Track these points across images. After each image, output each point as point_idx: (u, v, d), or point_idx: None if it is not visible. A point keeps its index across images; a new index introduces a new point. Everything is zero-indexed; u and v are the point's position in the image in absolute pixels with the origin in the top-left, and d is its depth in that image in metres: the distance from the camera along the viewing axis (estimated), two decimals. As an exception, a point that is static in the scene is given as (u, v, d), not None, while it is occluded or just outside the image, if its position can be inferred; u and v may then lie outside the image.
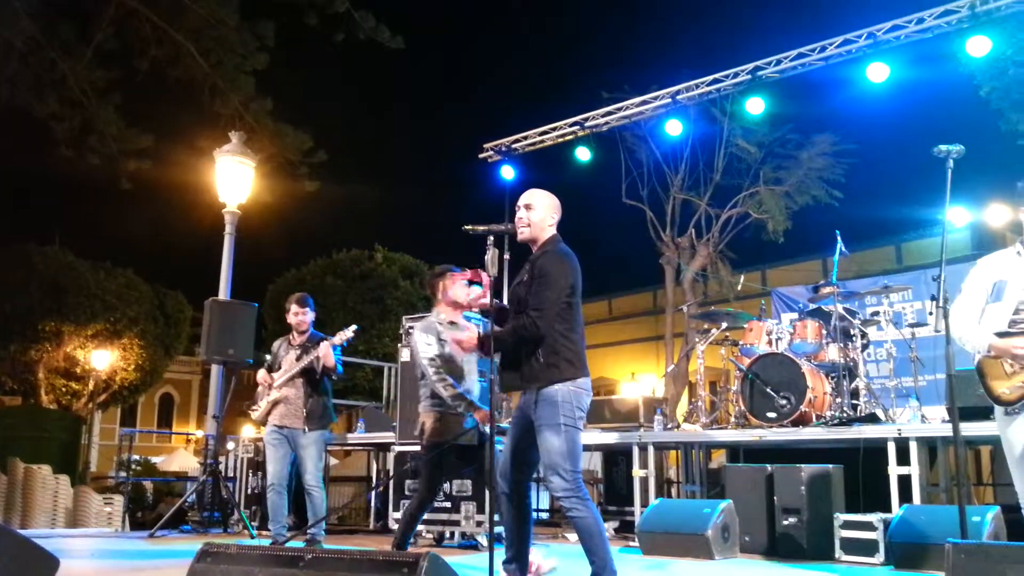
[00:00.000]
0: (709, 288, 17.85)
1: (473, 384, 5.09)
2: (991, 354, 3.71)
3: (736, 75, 10.29)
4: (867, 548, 5.52)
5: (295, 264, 20.36)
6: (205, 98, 12.85)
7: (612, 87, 13.80)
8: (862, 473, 6.11)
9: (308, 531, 5.94)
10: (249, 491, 8.87)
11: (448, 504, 6.82)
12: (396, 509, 7.31)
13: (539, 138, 11.97)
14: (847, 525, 5.67)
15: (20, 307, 17.98)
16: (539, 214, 3.97)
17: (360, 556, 2.97)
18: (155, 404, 37.08)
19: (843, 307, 7.52)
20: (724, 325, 8.19)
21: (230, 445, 9.90)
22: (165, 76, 12.70)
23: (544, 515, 9.31)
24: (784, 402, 6.88)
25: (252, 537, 7.60)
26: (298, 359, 6.17)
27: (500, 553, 3.85)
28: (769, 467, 6.23)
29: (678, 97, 10.84)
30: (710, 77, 10.53)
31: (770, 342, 7.58)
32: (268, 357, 6.41)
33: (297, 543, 5.74)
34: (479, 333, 3.99)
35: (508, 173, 11.96)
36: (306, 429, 6.08)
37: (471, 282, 5.06)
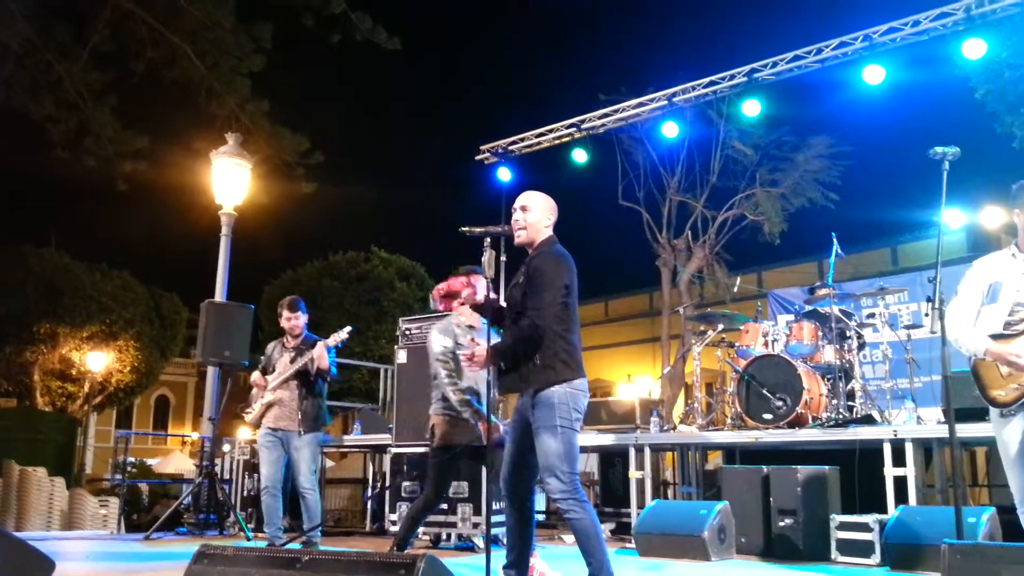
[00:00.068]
0: (705, 290, 17.89)
1: (476, 383, 5.05)
2: (987, 358, 3.72)
3: (732, 77, 10.31)
4: (863, 549, 5.53)
5: (291, 266, 20.37)
6: (201, 100, 12.83)
7: (608, 89, 13.83)
8: (858, 474, 6.12)
9: (307, 535, 5.92)
10: (245, 493, 8.86)
11: (445, 506, 6.81)
12: (393, 511, 7.30)
13: (536, 140, 11.98)
14: (843, 526, 5.67)
15: (15, 309, 17.94)
16: (535, 216, 3.97)
17: (357, 558, 2.97)
18: (151, 406, 37.04)
19: (839, 309, 7.52)
20: (720, 327, 8.20)
21: (226, 447, 9.89)
22: (161, 78, 12.68)
23: (541, 517, 9.31)
24: (780, 404, 6.89)
25: (248, 539, 7.59)
26: (292, 361, 6.15)
27: (496, 555, 3.84)
28: (765, 468, 6.24)
29: (674, 99, 10.85)
30: (706, 79, 10.54)
31: (766, 344, 7.59)
32: (263, 359, 6.40)
33: (294, 545, 5.73)
34: (487, 347, 3.93)
35: (505, 175, 11.97)
36: (300, 431, 6.07)
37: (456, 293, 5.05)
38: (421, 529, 6.92)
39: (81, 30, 12.00)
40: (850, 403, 7.25)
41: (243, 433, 10.71)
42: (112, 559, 6.46)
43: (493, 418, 4.81)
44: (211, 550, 3.22)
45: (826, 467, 6.14)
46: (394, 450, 7.46)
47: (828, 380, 7.24)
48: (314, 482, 6.08)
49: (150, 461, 22.59)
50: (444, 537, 7.18)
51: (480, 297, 4.86)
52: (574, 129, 11.67)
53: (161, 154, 13.34)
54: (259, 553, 3.25)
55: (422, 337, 7.36)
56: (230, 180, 10.44)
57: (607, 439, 7.81)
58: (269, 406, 6.13)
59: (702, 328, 8.53)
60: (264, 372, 6.28)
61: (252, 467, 8.70)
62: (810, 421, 6.83)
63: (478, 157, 12.52)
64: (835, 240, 8.02)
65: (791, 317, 9.21)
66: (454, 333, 4.96)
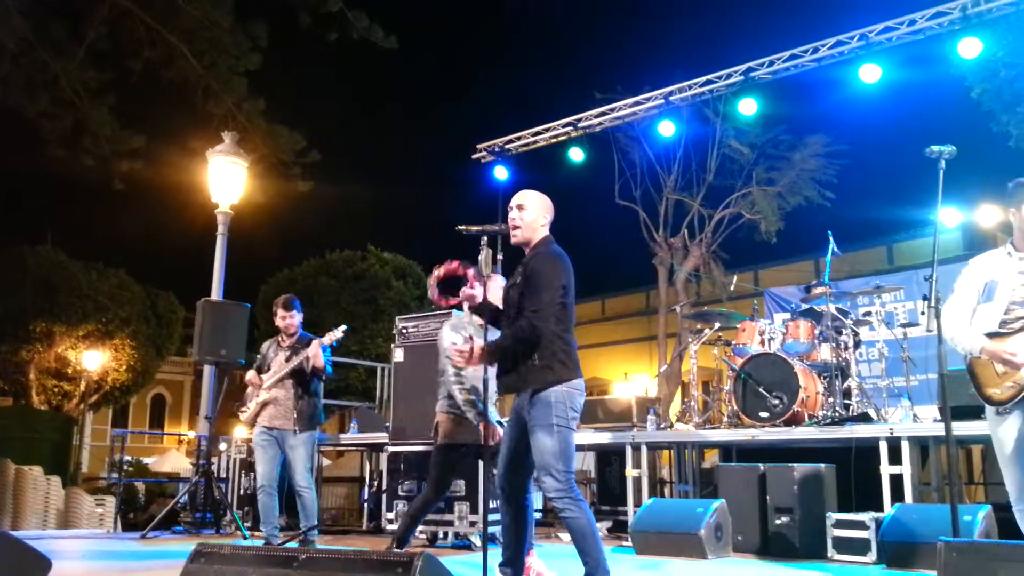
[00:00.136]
0: (702, 288, 17.90)
1: (476, 382, 5.04)
2: (982, 356, 3.73)
3: (729, 76, 10.32)
4: (859, 547, 5.54)
5: (288, 264, 20.32)
6: (198, 99, 12.80)
7: (605, 88, 13.83)
8: (854, 472, 6.13)
9: (306, 534, 5.91)
10: (241, 492, 8.85)
11: (442, 504, 6.81)
12: (389, 510, 7.30)
13: (532, 139, 11.99)
14: (839, 524, 5.69)
15: (11, 307, 17.89)
16: (531, 214, 3.97)
17: (354, 556, 2.97)
18: (147, 405, 36.99)
19: (835, 307, 7.54)
20: (717, 325, 8.21)
21: (222, 446, 9.88)
22: (158, 77, 12.65)
23: (538, 516, 9.31)
24: (776, 402, 6.90)
25: (245, 538, 7.59)
26: (287, 360, 6.15)
27: (493, 553, 3.85)
28: (762, 467, 6.25)
29: (671, 98, 10.86)
30: (703, 78, 10.56)
31: (763, 342, 7.60)
32: (258, 357, 6.40)
33: (290, 544, 5.73)
34: (482, 344, 3.92)
35: (501, 174, 11.97)
36: (296, 430, 6.06)
37: (455, 276, 5.04)
38: (418, 527, 6.93)
39: (77, 28, 11.97)
40: (846, 401, 7.27)
41: (239, 432, 10.71)
42: (109, 558, 6.45)
43: (493, 419, 4.81)
44: (208, 548, 3.22)
45: (822, 465, 6.15)
46: (391, 449, 7.46)
47: (824, 378, 7.25)
48: (310, 481, 6.07)
49: (146, 460, 22.48)
50: (441, 535, 7.18)
51: (480, 298, 4.86)
52: (570, 128, 11.67)
53: (157, 153, 13.32)
54: (256, 552, 3.25)
55: (419, 336, 7.37)
56: (226, 179, 10.43)
57: (604, 437, 7.82)
58: (264, 405, 6.12)
59: (699, 326, 8.54)
60: (259, 371, 6.27)
61: (249, 466, 8.70)
62: (806, 419, 6.84)
63: (475, 156, 12.53)
64: (831, 239, 8.04)
65: (787, 315, 9.23)
66: (466, 329, 4.95)
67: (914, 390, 7.51)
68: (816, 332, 7.42)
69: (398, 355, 7.51)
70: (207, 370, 9.63)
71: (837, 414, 6.90)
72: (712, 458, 9.52)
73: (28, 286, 18.14)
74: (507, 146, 12.17)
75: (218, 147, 10.55)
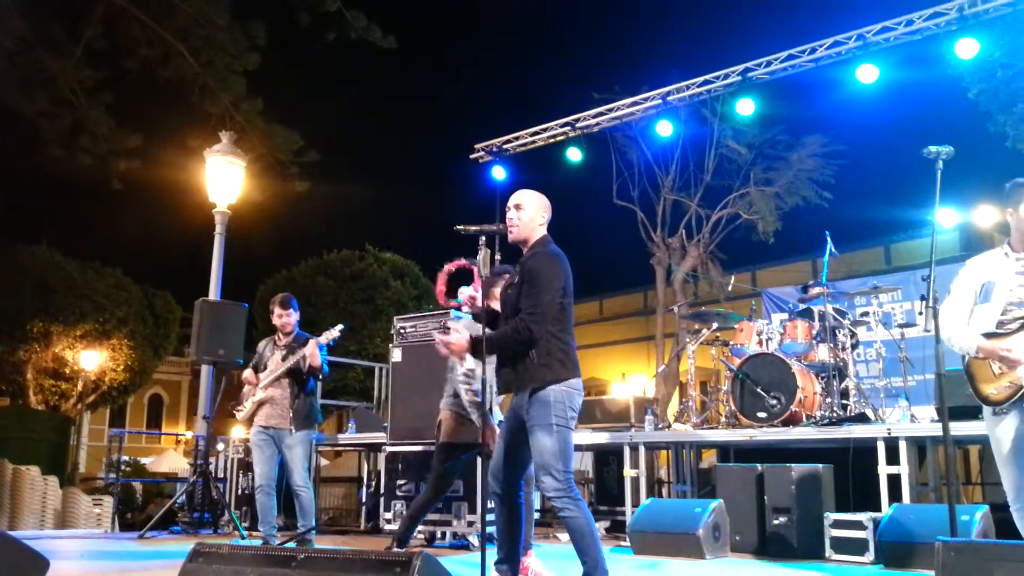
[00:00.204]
0: (699, 289, 17.93)
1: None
2: (979, 356, 3.74)
3: (726, 76, 10.31)
4: (857, 547, 5.54)
5: (286, 264, 20.31)
6: (195, 98, 12.79)
7: (603, 88, 13.87)
8: (852, 472, 6.14)
9: (304, 534, 5.91)
10: (239, 492, 8.85)
11: (440, 504, 6.81)
12: (388, 510, 7.30)
13: (530, 139, 11.98)
14: (837, 524, 5.69)
15: (8, 307, 17.86)
16: (528, 214, 3.96)
17: (353, 556, 2.97)
18: (144, 405, 36.93)
19: (833, 307, 7.55)
20: (714, 325, 8.21)
21: (220, 446, 9.88)
22: (155, 76, 12.64)
23: (537, 516, 9.31)
24: (774, 402, 6.90)
25: (242, 538, 7.59)
26: (284, 359, 6.14)
27: (491, 552, 3.85)
28: (759, 467, 6.25)
29: (669, 98, 10.85)
30: (700, 78, 10.55)
31: (760, 342, 7.60)
32: (255, 356, 6.39)
33: (288, 544, 5.73)
34: (470, 336, 3.94)
35: (499, 174, 11.96)
36: (292, 429, 6.06)
37: (461, 270, 5.05)
38: (418, 527, 6.94)
39: (74, 27, 11.95)
40: (844, 401, 7.27)
41: (237, 432, 10.70)
42: (106, 558, 6.44)
43: (495, 421, 4.82)
44: (206, 548, 3.22)
45: (820, 465, 6.16)
46: (389, 449, 7.45)
47: (822, 378, 7.26)
48: (307, 480, 6.07)
49: (144, 460, 22.51)
50: (439, 535, 7.18)
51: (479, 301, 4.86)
52: (568, 128, 11.66)
53: (155, 152, 13.30)
54: (254, 551, 3.25)
55: (417, 336, 7.37)
56: (224, 178, 10.41)
57: (602, 437, 7.82)
58: (260, 404, 6.12)
59: (696, 327, 8.54)
60: (255, 370, 6.27)
61: (246, 466, 8.69)
62: (804, 419, 6.85)
63: (473, 156, 12.51)
64: (829, 239, 8.05)
65: (785, 316, 9.24)
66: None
67: (912, 390, 7.52)
68: (814, 332, 7.42)
69: (396, 355, 7.51)
70: (204, 370, 9.62)
71: (835, 414, 6.90)
72: (710, 458, 9.52)
73: (25, 286, 18.10)
74: (505, 146, 12.17)
75: (216, 147, 10.54)
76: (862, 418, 6.87)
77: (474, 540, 6.74)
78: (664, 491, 9.05)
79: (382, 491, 7.50)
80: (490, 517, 5.24)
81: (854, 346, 7.90)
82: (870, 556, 5.47)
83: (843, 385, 7.36)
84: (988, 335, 3.72)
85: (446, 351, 3.93)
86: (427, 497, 5.04)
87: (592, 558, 3.62)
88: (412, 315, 7.75)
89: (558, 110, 11.97)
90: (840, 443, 6.44)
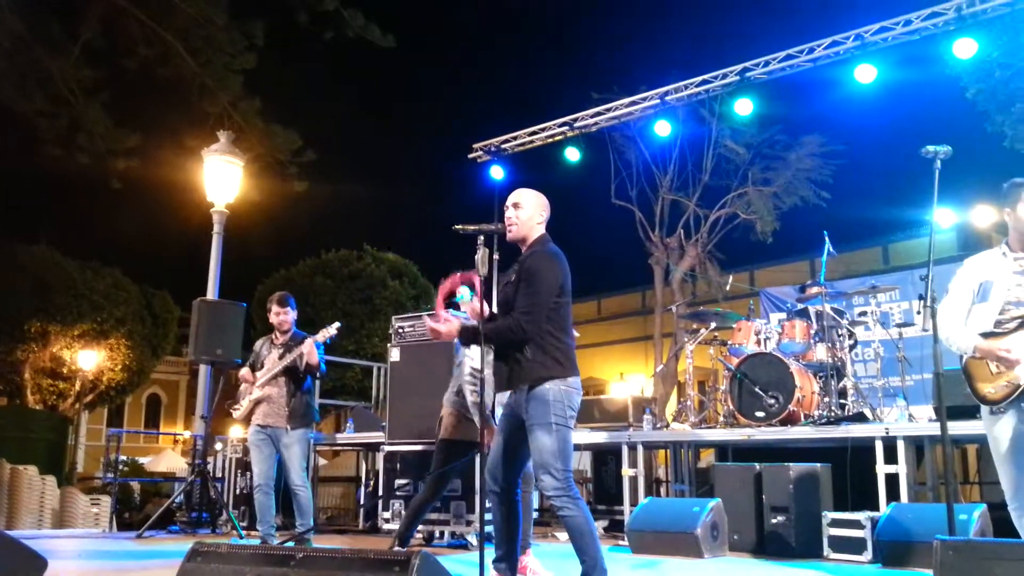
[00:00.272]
0: (698, 288, 17.93)
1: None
2: (977, 355, 3.74)
3: (725, 76, 10.31)
4: (855, 546, 5.55)
5: (284, 264, 20.32)
6: (193, 97, 12.79)
7: (601, 88, 13.88)
8: (850, 472, 6.14)
9: (303, 534, 5.90)
10: (237, 491, 8.84)
11: (438, 503, 6.81)
12: (386, 509, 7.30)
13: (528, 138, 11.97)
14: (835, 523, 5.70)
15: (6, 307, 17.85)
16: (527, 213, 3.97)
17: (351, 555, 2.97)
18: (142, 404, 36.88)
19: (831, 307, 7.55)
20: (713, 325, 8.22)
21: (218, 445, 9.87)
22: (153, 75, 12.64)
23: (536, 515, 9.31)
24: (772, 401, 6.91)
25: (241, 537, 7.58)
26: (281, 357, 6.14)
27: (490, 552, 3.85)
28: (757, 466, 6.26)
29: (667, 98, 10.85)
30: (699, 78, 10.55)
31: (758, 342, 7.61)
32: (252, 355, 6.39)
33: (287, 543, 5.72)
34: (459, 324, 3.93)
35: (497, 173, 11.95)
36: (289, 428, 6.05)
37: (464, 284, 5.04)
38: (419, 525, 6.94)
39: (72, 26, 11.95)
40: (842, 401, 7.28)
41: (235, 431, 10.69)
42: (105, 557, 6.43)
43: (495, 422, 4.81)
44: (205, 547, 3.21)
45: (818, 464, 6.16)
46: (387, 448, 7.45)
47: (820, 378, 7.27)
48: (305, 479, 6.06)
49: (142, 459, 22.46)
50: (437, 535, 7.18)
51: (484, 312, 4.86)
52: (567, 128, 11.66)
53: (153, 151, 13.30)
54: (253, 550, 3.25)
55: (415, 335, 7.37)
56: (222, 178, 10.40)
57: (600, 437, 7.82)
58: (257, 402, 6.11)
59: (695, 326, 8.55)
60: (252, 368, 6.26)
61: (244, 465, 8.69)
62: (802, 419, 6.85)
63: (471, 155, 12.51)
64: (827, 239, 8.04)
65: (783, 315, 9.24)
66: None
67: (910, 390, 7.52)
68: (812, 332, 7.43)
69: (394, 355, 7.50)
70: (203, 370, 9.61)
71: (833, 414, 6.91)
72: (708, 457, 9.53)
73: (23, 285, 18.09)
74: (503, 146, 12.16)
75: (214, 146, 10.53)
76: (860, 417, 6.87)
77: (472, 539, 6.74)
78: (662, 490, 9.05)
79: (380, 491, 7.50)
80: (488, 516, 5.24)
81: (852, 346, 7.90)
82: (868, 555, 5.48)
83: (841, 385, 7.37)
84: (986, 335, 3.73)
85: (436, 335, 3.93)
86: (426, 495, 5.05)
87: (591, 557, 3.62)
88: (410, 315, 7.75)
89: (556, 110, 11.97)
90: (838, 442, 6.45)
